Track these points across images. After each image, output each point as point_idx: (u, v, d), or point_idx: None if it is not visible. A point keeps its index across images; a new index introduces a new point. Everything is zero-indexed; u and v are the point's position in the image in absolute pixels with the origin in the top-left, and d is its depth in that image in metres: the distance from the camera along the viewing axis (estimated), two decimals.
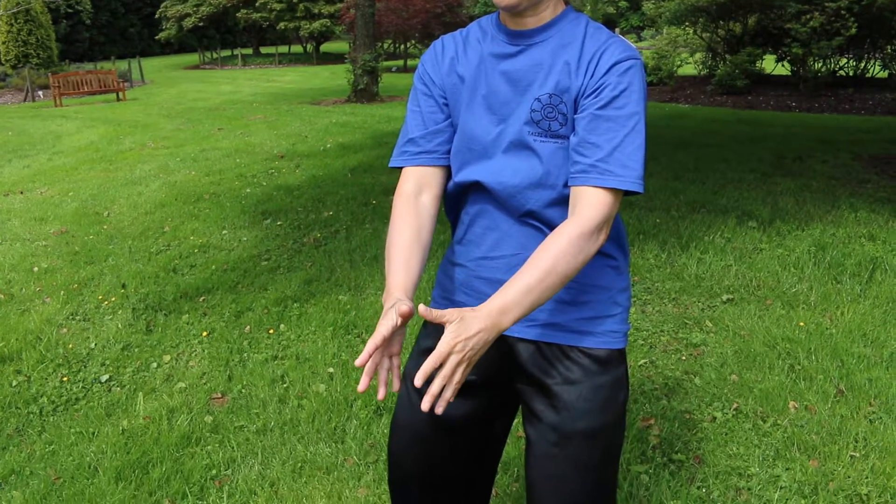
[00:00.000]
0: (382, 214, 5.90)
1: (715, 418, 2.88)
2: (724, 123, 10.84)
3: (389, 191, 6.69)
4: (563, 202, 1.43)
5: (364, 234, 5.43)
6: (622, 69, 1.34)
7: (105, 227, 6.09)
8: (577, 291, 1.48)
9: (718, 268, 4.50)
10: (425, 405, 1.28)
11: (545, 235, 1.46)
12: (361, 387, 1.32)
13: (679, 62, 16.63)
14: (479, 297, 1.53)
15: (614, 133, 1.33)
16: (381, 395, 1.38)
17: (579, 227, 1.33)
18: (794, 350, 3.40)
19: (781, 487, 2.45)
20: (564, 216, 1.42)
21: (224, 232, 5.71)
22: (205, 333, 3.83)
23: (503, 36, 1.45)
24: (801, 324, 3.67)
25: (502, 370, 1.57)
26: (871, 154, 8.16)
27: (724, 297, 4.05)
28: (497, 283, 1.50)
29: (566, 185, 1.42)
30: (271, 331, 3.83)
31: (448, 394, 1.29)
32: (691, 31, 16.16)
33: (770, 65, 15.98)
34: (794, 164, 7.51)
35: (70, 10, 27.44)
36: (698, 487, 2.47)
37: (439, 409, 1.30)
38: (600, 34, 1.41)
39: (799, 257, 4.60)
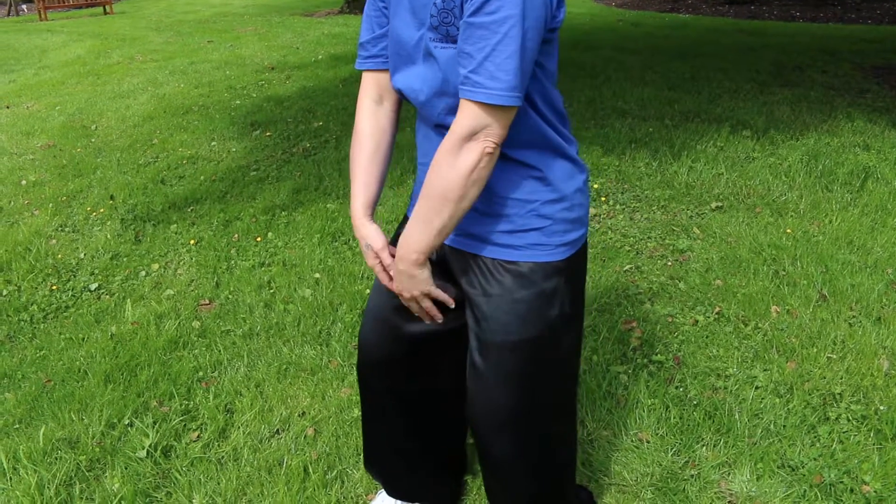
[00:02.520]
0: None
1: (697, 322, 2.91)
2: (724, 33, 10.60)
3: None
4: None
5: None
6: None
7: (93, 140, 6.02)
8: (491, 203, 1.45)
9: (709, 176, 4.47)
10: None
11: None
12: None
13: None
14: None
15: (485, 41, 1.23)
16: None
17: (445, 144, 1.31)
18: (780, 256, 3.40)
19: (757, 387, 2.49)
20: None
21: (213, 143, 5.65)
22: (192, 242, 3.83)
23: None
24: (789, 231, 3.67)
25: (446, 272, 1.59)
26: (872, 64, 8.00)
27: (714, 205, 4.04)
28: None
29: None
30: (259, 238, 3.83)
31: (437, 316, 1.54)
32: None
33: None
34: (793, 74, 7.38)
35: None
36: (676, 387, 2.52)
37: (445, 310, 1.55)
38: None
39: (791, 166, 4.57)
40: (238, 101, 7.03)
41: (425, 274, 1.44)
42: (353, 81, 7.63)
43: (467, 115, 1.27)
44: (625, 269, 3.36)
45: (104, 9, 18.81)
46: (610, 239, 3.67)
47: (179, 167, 5.11)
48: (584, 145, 5.00)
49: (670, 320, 2.93)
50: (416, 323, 1.62)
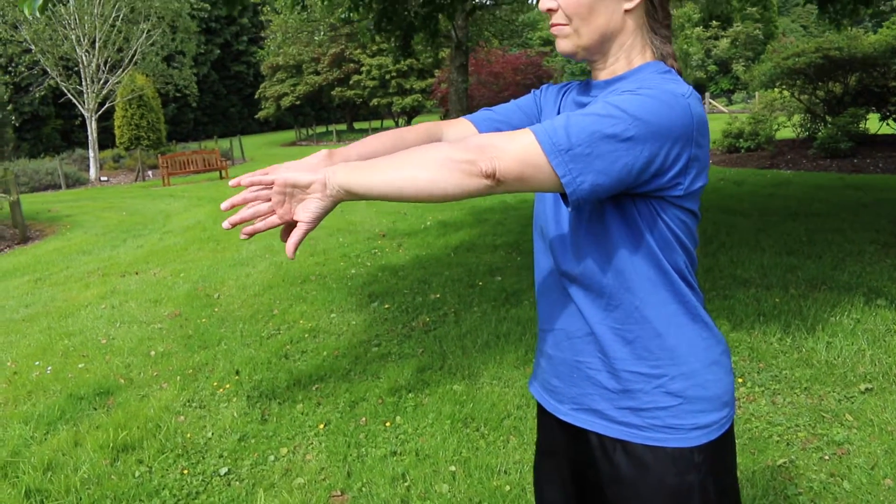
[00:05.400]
0: (489, 297, 5.84)
1: None
2: (831, 190, 10.42)
3: (494, 271, 6.65)
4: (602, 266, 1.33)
5: (473, 318, 5.37)
6: (633, 89, 1.23)
7: (216, 309, 6.24)
8: (615, 377, 1.34)
9: (850, 353, 4.23)
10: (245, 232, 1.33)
11: (574, 305, 1.38)
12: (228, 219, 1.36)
13: (776, 126, 16.19)
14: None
15: (591, 108, 1.20)
16: (225, 224, 1.35)
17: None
18: None
19: None
20: (603, 282, 1.33)
21: (332, 315, 5.76)
22: (321, 426, 3.81)
23: (587, 87, 1.45)
24: None
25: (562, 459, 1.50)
26: None
27: (862, 387, 3.78)
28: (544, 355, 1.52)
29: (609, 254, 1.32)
30: (388, 423, 3.77)
31: (259, 225, 1.34)
32: (788, 94, 15.74)
33: (874, 124, 15.39)
34: None
35: (178, 94, 29.11)
36: None
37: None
38: (650, 78, 1.30)
39: None
40: (353, 270, 7.23)
41: (292, 171, 1.32)
42: (465, 250, 7.77)
43: (509, 134, 1.20)
44: (778, 463, 3.13)
45: (220, 173, 20.20)
46: (756, 427, 3.46)
47: (301, 341, 5.20)
48: None
49: None
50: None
